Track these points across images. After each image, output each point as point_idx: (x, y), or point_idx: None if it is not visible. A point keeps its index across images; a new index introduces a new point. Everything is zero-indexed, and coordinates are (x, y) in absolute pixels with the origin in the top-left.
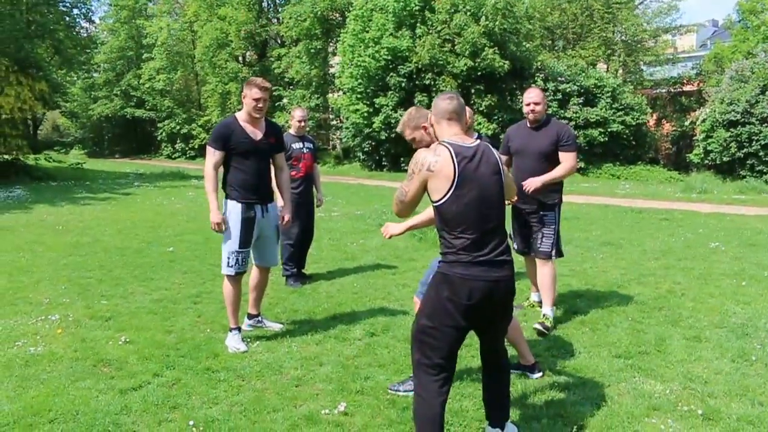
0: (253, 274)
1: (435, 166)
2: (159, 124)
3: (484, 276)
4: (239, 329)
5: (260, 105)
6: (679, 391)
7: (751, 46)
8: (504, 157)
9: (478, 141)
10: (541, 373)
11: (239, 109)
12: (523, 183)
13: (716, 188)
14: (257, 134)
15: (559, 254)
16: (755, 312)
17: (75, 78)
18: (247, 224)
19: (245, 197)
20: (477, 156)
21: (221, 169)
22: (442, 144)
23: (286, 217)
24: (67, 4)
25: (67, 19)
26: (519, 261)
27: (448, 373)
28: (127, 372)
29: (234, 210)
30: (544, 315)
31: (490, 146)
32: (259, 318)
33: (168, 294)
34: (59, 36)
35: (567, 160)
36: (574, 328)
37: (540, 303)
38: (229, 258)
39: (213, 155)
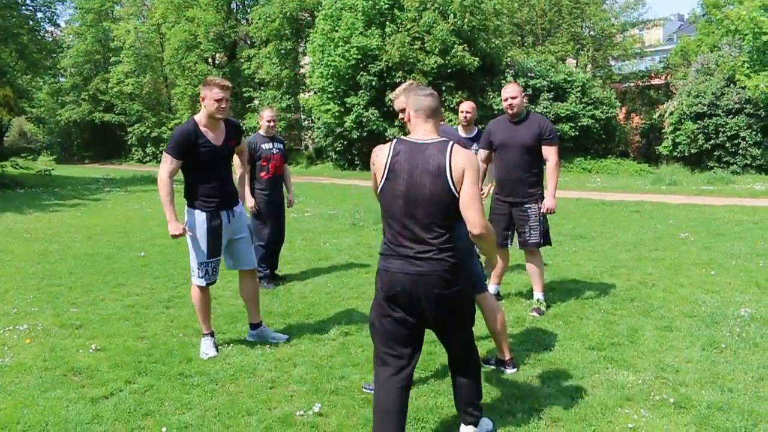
0: (240, 284)
1: (376, 159)
2: (129, 128)
3: (403, 269)
4: (212, 334)
5: (223, 105)
6: (651, 381)
7: (716, 40)
8: (484, 152)
9: (437, 139)
10: (515, 369)
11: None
12: (545, 209)
13: (685, 180)
14: (219, 139)
15: (547, 242)
16: (724, 300)
17: (41, 83)
18: (214, 233)
19: (209, 205)
20: (420, 153)
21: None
22: (396, 139)
23: (249, 205)
24: (31, 8)
25: (31, 22)
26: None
27: (399, 364)
28: (99, 380)
29: (199, 219)
30: (537, 300)
31: (452, 148)
32: (263, 328)
33: (140, 299)
34: (23, 40)
35: (552, 154)
36: (548, 321)
37: (496, 296)
38: (198, 269)
39: (170, 163)
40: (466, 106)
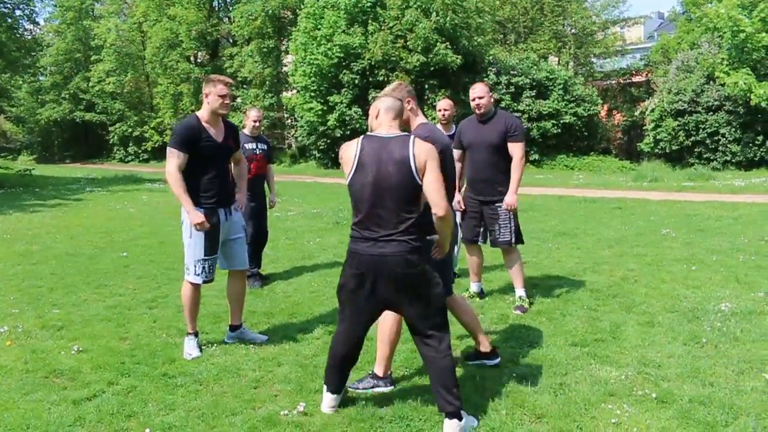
0: (228, 283)
1: (344, 154)
2: (110, 128)
3: (369, 251)
4: (196, 334)
5: (227, 101)
6: (633, 376)
7: (696, 37)
8: (457, 152)
9: (400, 134)
10: (498, 359)
11: (193, 110)
12: (504, 206)
13: (666, 176)
14: (219, 136)
15: (519, 241)
16: (705, 296)
17: (20, 81)
18: (212, 230)
19: (207, 202)
20: (385, 146)
21: None
22: (363, 136)
23: (240, 202)
24: (9, 5)
25: (9, 20)
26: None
27: (352, 330)
28: (81, 382)
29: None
30: (519, 297)
31: (414, 141)
32: (242, 329)
33: (122, 300)
34: (1, 38)
35: (516, 151)
36: (531, 318)
37: (479, 294)
38: (195, 266)
39: (177, 157)
40: (444, 104)
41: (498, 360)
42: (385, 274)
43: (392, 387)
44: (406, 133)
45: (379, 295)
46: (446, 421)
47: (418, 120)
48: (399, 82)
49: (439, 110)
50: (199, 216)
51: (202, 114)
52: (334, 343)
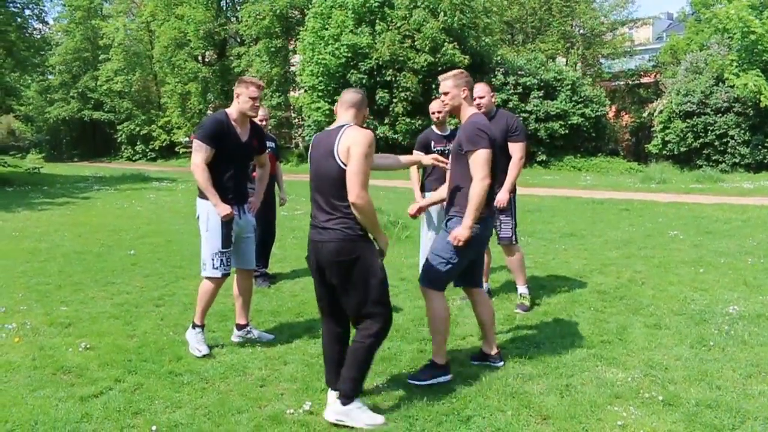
0: (236, 281)
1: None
2: (118, 126)
3: (313, 237)
4: (203, 327)
5: (257, 104)
6: (640, 379)
7: (705, 38)
8: None
9: (339, 125)
10: (502, 362)
11: (200, 110)
12: (496, 203)
13: (674, 178)
14: (245, 135)
15: (516, 240)
16: (713, 298)
17: (29, 80)
18: (229, 224)
19: (224, 197)
20: (324, 139)
21: None
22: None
23: (253, 205)
24: (18, 5)
25: (19, 20)
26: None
27: (326, 317)
28: (88, 379)
29: (213, 210)
30: (521, 294)
31: (344, 131)
32: (249, 328)
33: (130, 298)
34: (10, 37)
35: (516, 151)
36: (538, 318)
37: (487, 292)
38: (213, 260)
39: (204, 151)
40: (436, 106)
41: (502, 363)
42: (324, 261)
43: (502, 362)
44: (344, 123)
45: (326, 280)
46: (330, 392)
47: (470, 110)
48: (460, 71)
49: (432, 112)
50: (226, 208)
51: (231, 112)
52: (322, 341)
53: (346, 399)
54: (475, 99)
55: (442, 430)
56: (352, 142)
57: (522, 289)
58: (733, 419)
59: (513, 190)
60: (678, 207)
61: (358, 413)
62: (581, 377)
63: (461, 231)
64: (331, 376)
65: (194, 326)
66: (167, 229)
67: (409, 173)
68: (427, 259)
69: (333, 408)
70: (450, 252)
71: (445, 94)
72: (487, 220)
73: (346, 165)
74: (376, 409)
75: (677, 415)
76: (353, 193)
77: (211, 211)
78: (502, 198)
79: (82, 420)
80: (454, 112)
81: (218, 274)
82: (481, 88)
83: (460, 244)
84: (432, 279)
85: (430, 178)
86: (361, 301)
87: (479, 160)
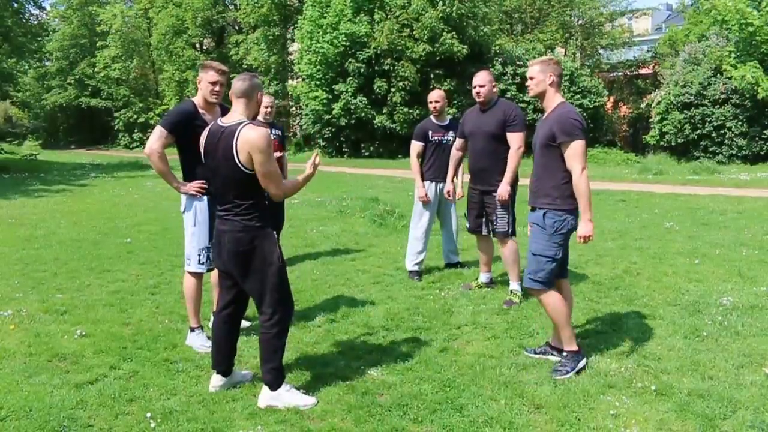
0: (215, 272)
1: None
2: (115, 114)
3: (217, 226)
4: (201, 328)
5: (217, 89)
6: (633, 369)
7: (704, 29)
8: (460, 141)
9: (234, 122)
10: (585, 360)
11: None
12: (497, 196)
13: (671, 169)
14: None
15: (513, 233)
16: (707, 289)
17: (26, 67)
18: (213, 218)
19: (209, 189)
20: (222, 134)
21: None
22: (214, 121)
23: None
24: None
25: (15, 5)
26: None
27: (225, 300)
28: (83, 366)
29: (200, 205)
30: (511, 291)
31: (239, 133)
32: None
33: (125, 285)
34: (7, 23)
35: (514, 141)
36: (532, 309)
37: (487, 284)
38: (200, 255)
39: (163, 137)
40: (435, 96)
41: (584, 360)
42: (225, 248)
43: (586, 359)
44: (238, 122)
45: (227, 266)
46: (263, 388)
47: (557, 98)
48: (550, 57)
49: (430, 102)
50: (192, 186)
51: (198, 100)
52: (214, 323)
53: (273, 384)
54: (474, 87)
55: (436, 418)
56: (251, 148)
57: (514, 285)
58: (724, 409)
59: (515, 183)
60: (674, 198)
61: (287, 396)
62: None
63: (586, 229)
64: (221, 360)
65: (192, 329)
66: (164, 217)
67: (410, 163)
68: (530, 264)
69: (263, 395)
70: (554, 249)
71: (531, 78)
72: (577, 210)
73: (248, 169)
74: (377, 397)
75: (669, 405)
76: (277, 194)
77: (199, 206)
78: (502, 191)
79: (77, 407)
80: (539, 98)
81: (203, 269)
82: (481, 77)
83: (590, 240)
84: (543, 280)
85: (428, 167)
86: (263, 288)
87: (577, 152)
